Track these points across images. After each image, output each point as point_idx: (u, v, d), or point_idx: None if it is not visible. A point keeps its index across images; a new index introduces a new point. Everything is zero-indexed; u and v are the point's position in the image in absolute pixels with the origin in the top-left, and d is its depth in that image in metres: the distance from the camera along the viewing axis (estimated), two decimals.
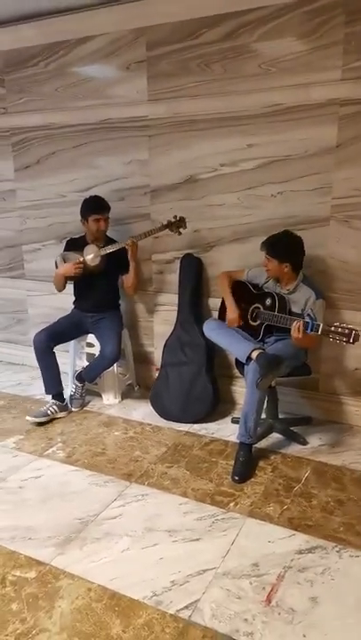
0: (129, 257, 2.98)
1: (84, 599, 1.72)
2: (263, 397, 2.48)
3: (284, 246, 2.52)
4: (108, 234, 3.10)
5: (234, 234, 2.97)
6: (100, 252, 2.94)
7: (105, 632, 1.59)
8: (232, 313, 2.70)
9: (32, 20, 3.18)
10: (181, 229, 2.98)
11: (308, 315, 2.44)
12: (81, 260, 2.97)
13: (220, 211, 2.98)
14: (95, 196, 3.03)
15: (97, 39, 3.05)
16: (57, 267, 3.07)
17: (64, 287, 3.11)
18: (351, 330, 2.16)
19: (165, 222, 2.96)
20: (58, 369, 3.06)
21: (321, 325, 2.24)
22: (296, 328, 2.29)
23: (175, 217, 2.96)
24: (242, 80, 2.73)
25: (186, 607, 1.67)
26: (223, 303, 2.84)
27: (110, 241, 3.07)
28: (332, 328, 2.21)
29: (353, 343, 2.17)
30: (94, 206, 2.98)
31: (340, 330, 2.19)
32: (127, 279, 3.11)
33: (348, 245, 2.71)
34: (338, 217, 2.69)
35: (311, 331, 2.26)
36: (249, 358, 2.45)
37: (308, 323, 2.28)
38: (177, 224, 2.96)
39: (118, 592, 1.74)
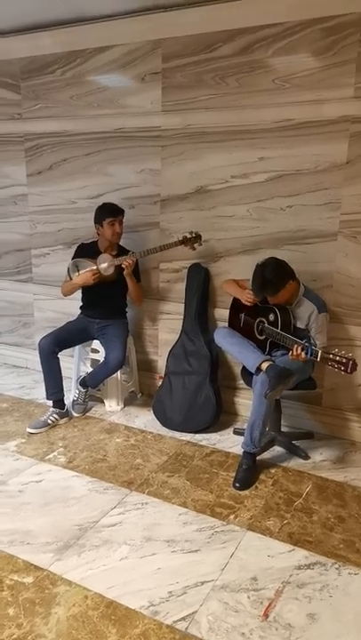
0: (124, 273, 2.96)
1: (80, 606, 1.71)
2: (271, 408, 2.49)
3: (272, 283, 2.45)
4: (120, 243, 3.12)
5: (242, 245, 2.99)
6: (115, 261, 2.94)
7: None
8: (242, 294, 2.69)
9: (50, 28, 3.23)
10: (196, 245, 2.98)
11: (308, 340, 2.43)
12: (95, 268, 2.98)
13: (229, 222, 3.00)
14: (109, 202, 3.06)
15: (114, 49, 3.09)
16: (69, 274, 3.08)
17: (73, 293, 3.13)
18: (349, 360, 2.15)
19: (181, 238, 2.96)
20: (60, 375, 3.07)
21: (320, 352, 2.24)
22: (296, 354, 2.29)
23: (191, 233, 2.97)
24: (255, 94, 2.76)
25: (183, 619, 1.66)
26: (231, 309, 2.85)
27: (122, 250, 3.09)
28: (331, 355, 2.20)
29: (350, 373, 2.16)
30: (109, 209, 3.00)
31: (337, 358, 2.18)
32: (129, 294, 3.13)
33: (355, 261, 2.71)
34: (346, 232, 2.70)
35: (311, 356, 2.27)
36: (258, 369, 2.45)
37: (307, 347, 2.29)
38: (193, 240, 2.96)
39: (115, 601, 1.73)
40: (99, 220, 3.01)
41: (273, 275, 2.44)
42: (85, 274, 2.99)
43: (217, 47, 2.80)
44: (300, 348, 2.29)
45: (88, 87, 3.25)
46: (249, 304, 2.67)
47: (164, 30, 2.91)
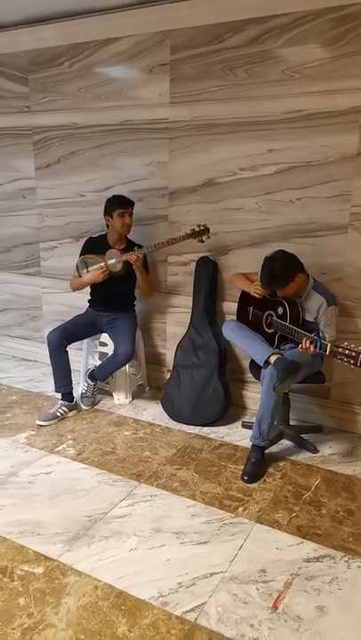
0: (134, 268, 2.96)
1: (90, 597, 1.72)
2: (279, 401, 2.48)
3: (281, 276, 2.43)
4: (129, 237, 3.12)
5: (251, 238, 2.97)
6: (123, 257, 2.93)
7: (111, 631, 1.59)
8: (254, 287, 2.67)
9: (58, 20, 3.22)
10: (204, 238, 2.97)
11: (317, 333, 2.42)
12: (105, 267, 2.98)
13: (238, 215, 2.98)
14: (118, 194, 3.05)
15: (122, 41, 3.08)
16: (78, 270, 3.09)
17: (81, 289, 3.14)
18: (358, 353, 2.13)
19: (190, 231, 2.95)
20: (69, 368, 3.08)
21: (329, 346, 2.23)
22: (305, 347, 2.29)
23: (199, 226, 2.95)
24: (265, 85, 2.74)
25: (192, 610, 1.67)
26: (240, 302, 2.85)
27: (131, 243, 3.09)
28: (340, 349, 2.19)
29: (360, 367, 2.15)
30: (119, 201, 2.99)
31: (347, 352, 2.17)
32: (138, 287, 3.13)
33: None
34: (356, 225, 2.68)
35: (319, 349, 2.26)
36: (267, 362, 2.45)
37: (316, 341, 2.28)
38: (201, 233, 2.95)
39: (125, 591, 1.74)
40: (108, 211, 3.00)
41: (282, 268, 2.43)
42: (94, 272, 2.99)
43: (226, 38, 2.77)
44: (308, 342, 2.29)
45: (96, 79, 3.24)
46: (258, 296, 2.66)
47: (173, 21, 2.88)
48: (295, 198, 2.80)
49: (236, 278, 2.87)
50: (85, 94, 3.30)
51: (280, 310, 2.59)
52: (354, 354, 2.15)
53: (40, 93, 3.46)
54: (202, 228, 2.95)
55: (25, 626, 1.61)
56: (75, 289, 3.16)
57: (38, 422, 2.94)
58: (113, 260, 2.97)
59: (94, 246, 3.11)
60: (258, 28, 2.68)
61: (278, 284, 2.46)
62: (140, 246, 3.04)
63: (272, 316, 2.65)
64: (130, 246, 3.06)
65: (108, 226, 3.07)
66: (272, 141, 2.79)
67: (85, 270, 3.06)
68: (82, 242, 3.22)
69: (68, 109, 3.39)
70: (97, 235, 3.22)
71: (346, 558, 1.91)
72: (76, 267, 3.10)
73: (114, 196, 3.03)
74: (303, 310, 2.56)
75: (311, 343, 2.28)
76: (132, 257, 2.90)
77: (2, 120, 3.66)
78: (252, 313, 2.79)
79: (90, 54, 3.21)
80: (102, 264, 2.98)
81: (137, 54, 3.06)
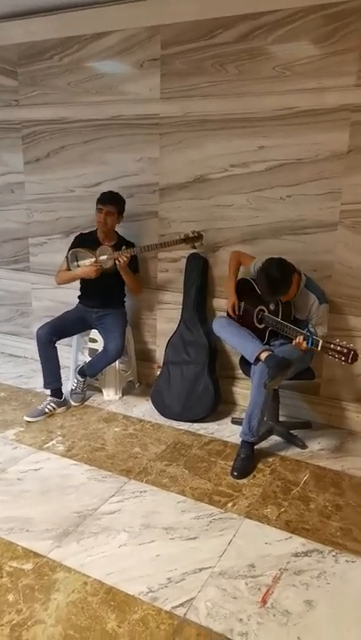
0: (118, 267, 2.93)
1: (80, 593, 1.72)
2: (269, 398, 2.50)
3: (283, 281, 2.43)
4: (120, 233, 3.11)
5: (241, 235, 2.98)
6: (114, 254, 2.92)
7: (100, 626, 1.59)
8: (230, 301, 2.76)
9: (48, 13, 3.19)
10: (197, 244, 2.97)
11: (309, 329, 2.43)
12: (98, 262, 2.95)
13: (228, 211, 2.98)
14: (109, 190, 3.03)
15: (112, 35, 3.05)
16: (68, 263, 3.07)
17: (68, 283, 3.12)
18: (350, 350, 2.16)
19: (183, 237, 2.95)
20: (58, 364, 3.07)
21: (321, 342, 2.25)
22: (297, 343, 2.32)
23: (193, 232, 2.95)
24: (256, 82, 2.74)
25: (181, 605, 1.68)
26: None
27: (121, 240, 3.07)
28: (332, 345, 2.21)
29: (351, 363, 2.16)
30: (101, 197, 2.98)
31: (338, 348, 2.18)
32: (127, 285, 3.12)
33: (355, 251, 2.71)
34: (346, 222, 2.69)
35: (311, 345, 2.27)
36: (257, 359, 2.45)
37: (308, 337, 2.29)
38: (193, 239, 2.95)
39: (114, 587, 1.75)
40: (96, 205, 3.00)
41: (279, 273, 2.41)
42: (88, 268, 2.97)
43: (217, 34, 2.77)
44: (301, 338, 2.30)
45: (86, 73, 3.21)
46: (230, 313, 2.74)
47: (163, 16, 2.86)
48: (286, 195, 2.81)
49: (230, 262, 2.86)
50: (75, 89, 3.27)
51: (272, 306, 2.60)
52: (345, 350, 2.17)
53: (29, 87, 3.43)
54: (195, 234, 2.95)
55: (14, 622, 1.60)
56: (62, 282, 3.14)
57: (26, 418, 2.92)
58: (105, 257, 2.95)
59: (84, 242, 3.09)
60: (249, 25, 2.68)
61: (282, 289, 2.44)
62: (131, 244, 3.03)
63: (263, 311, 2.66)
64: (120, 242, 3.04)
65: None
66: (263, 138, 2.79)
67: (76, 264, 3.05)
68: (72, 237, 3.20)
69: (57, 103, 3.36)
70: (87, 231, 3.21)
71: (334, 553, 1.93)
72: (66, 258, 3.08)
73: (102, 192, 3.02)
74: (295, 308, 2.58)
75: (304, 339, 2.30)
76: (121, 257, 2.88)
77: None
78: (243, 308, 2.80)
79: (80, 48, 3.18)
80: (94, 260, 2.96)
81: (127, 49, 3.04)
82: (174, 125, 3.00)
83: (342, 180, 2.65)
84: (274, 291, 2.44)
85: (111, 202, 2.97)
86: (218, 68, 2.81)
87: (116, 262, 2.90)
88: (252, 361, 2.51)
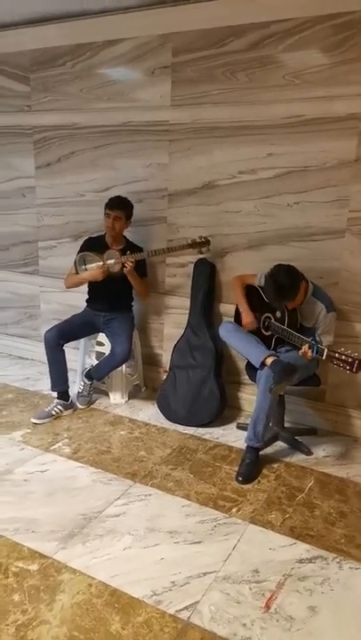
0: (125, 271, 2.94)
1: (84, 594, 1.73)
2: (274, 403, 2.51)
3: (290, 287, 2.44)
4: (128, 237, 3.14)
5: (249, 241, 3.00)
6: (122, 258, 2.94)
7: (104, 628, 1.61)
8: (247, 317, 2.72)
9: (60, 20, 3.24)
10: (204, 250, 3.00)
11: (315, 338, 2.44)
12: (105, 266, 2.98)
13: (236, 218, 3.00)
14: (117, 195, 3.06)
15: (124, 43, 3.09)
16: (76, 267, 3.10)
17: (77, 287, 3.15)
18: (355, 359, 2.16)
19: (190, 242, 2.97)
20: (65, 367, 3.09)
21: (326, 351, 2.26)
22: (303, 353, 2.33)
23: (201, 237, 2.98)
24: (265, 90, 2.76)
25: (185, 608, 1.69)
26: (238, 307, 2.86)
27: (130, 244, 3.10)
28: (337, 355, 2.21)
29: (356, 372, 2.17)
30: (109, 202, 3.02)
31: (343, 357, 2.19)
32: (135, 289, 3.14)
33: None
34: (353, 230, 2.70)
35: (316, 354, 2.28)
36: (263, 364, 2.47)
37: (313, 346, 2.30)
38: (201, 244, 2.98)
39: (119, 589, 1.76)
40: (104, 210, 3.04)
41: (287, 278, 2.42)
42: (95, 271, 3.00)
43: (228, 42, 2.80)
44: (307, 346, 2.31)
45: (98, 80, 3.25)
46: (248, 328, 2.70)
47: (175, 24, 2.90)
48: (293, 202, 2.82)
49: (234, 287, 2.85)
50: (87, 95, 3.32)
51: (278, 314, 2.61)
52: (351, 360, 2.17)
53: (41, 93, 3.48)
54: (203, 239, 2.98)
55: (19, 622, 1.62)
56: (70, 285, 3.17)
57: (33, 420, 2.95)
58: (112, 261, 2.98)
59: (92, 246, 3.12)
60: (259, 33, 2.71)
61: (289, 295, 2.45)
62: (139, 248, 3.06)
63: (270, 318, 2.67)
64: (128, 247, 3.07)
65: None
66: (271, 145, 2.81)
67: (84, 267, 3.08)
68: (81, 241, 3.23)
69: (68, 109, 3.40)
70: (96, 235, 3.24)
71: (338, 560, 1.93)
72: (75, 262, 3.11)
73: (110, 197, 3.05)
74: (302, 316, 2.59)
75: (309, 347, 2.31)
76: (127, 261, 2.91)
77: (2, 119, 3.67)
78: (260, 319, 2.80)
79: (92, 55, 3.23)
80: (102, 263, 2.99)
81: (139, 56, 3.08)
82: (184, 132, 3.03)
83: (350, 187, 2.66)
84: (281, 296, 2.45)
85: (119, 207, 3.00)
86: (228, 76, 2.84)
87: (125, 266, 2.93)
88: (257, 366, 2.52)
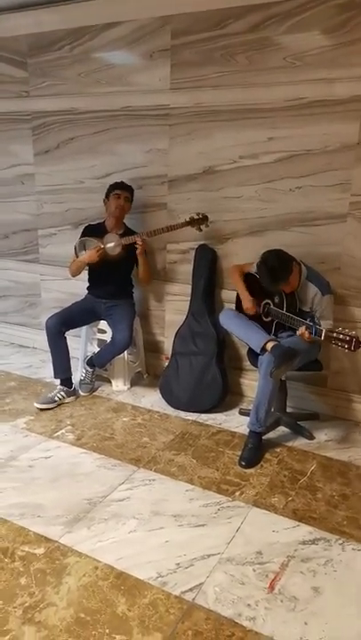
0: (137, 252, 2.98)
1: (90, 577, 1.76)
2: (276, 388, 2.52)
3: (281, 269, 2.44)
4: (127, 224, 3.12)
5: (250, 227, 2.98)
6: (122, 240, 2.95)
7: (111, 609, 1.63)
8: (247, 302, 2.72)
9: (58, 3, 3.18)
10: (203, 226, 2.98)
11: (313, 320, 2.44)
12: (101, 246, 2.98)
13: (237, 203, 2.98)
14: (120, 180, 3.08)
15: (122, 25, 3.05)
16: (76, 252, 3.09)
17: (80, 273, 3.14)
18: (353, 337, 2.17)
19: (188, 219, 2.96)
20: (68, 354, 3.10)
21: (324, 331, 2.26)
22: (301, 334, 2.33)
23: (198, 214, 2.96)
24: (266, 72, 2.73)
25: (190, 590, 1.71)
26: (238, 295, 2.86)
27: (129, 230, 3.09)
28: (335, 334, 2.22)
29: (354, 350, 2.18)
30: (119, 183, 3.04)
31: (341, 336, 2.20)
32: (138, 273, 3.14)
33: None
34: (356, 214, 2.69)
35: (315, 335, 2.29)
36: (264, 349, 2.47)
37: (311, 327, 2.31)
38: (199, 221, 2.96)
39: (124, 572, 1.78)
40: (107, 193, 3.05)
41: (277, 261, 2.45)
42: (90, 251, 3.00)
43: (227, 24, 2.75)
44: (304, 328, 2.32)
45: (96, 64, 3.21)
46: (250, 313, 2.71)
47: (174, 6, 2.85)
48: (295, 187, 2.80)
49: (233, 275, 2.85)
50: (85, 79, 3.28)
51: (277, 299, 2.61)
52: (348, 338, 2.18)
53: (39, 78, 3.43)
54: (200, 216, 2.96)
55: (26, 604, 1.64)
56: (73, 273, 3.15)
57: (36, 405, 2.96)
58: (112, 244, 2.97)
59: (92, 233, 3.11)
60: (260, 15, 2.66)
61: (281, 277, 2.46)
62: (138, 233, 3.05)
63: (269, 304, 2.67)
64: (127, 232, 3.06)
65: (106, 209, 3.08)
66: (273, 129, 2.78)
67: (83, 252, 3.07)
68: (81, 229, 3.22)
69: (67, 94, 3.36)
70: (95, 222, 3.22)
71: (340, 541, 1.96)
72: (75, 248, 3.11)
73: (115, 181, 3.04)
74: (299, 300, 2.58)
75: (307, 329, 2.31)
76: (137, 239, 2.91)
77: (0, 105, 3.63)
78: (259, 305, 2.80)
79: (90, 39, 3.18)
80: (100, 245, 2.99)
81: (137, 39, 3.03)
82: (184, 116, 3.00)
83: (352, 171, 2.64)
84: (274, 278, 2.46)
85: (127, 189, 3.04)
86: (228, 59, 2.80)
87: (135, 247, 2.92)
88: (258, 351, 2.53)
